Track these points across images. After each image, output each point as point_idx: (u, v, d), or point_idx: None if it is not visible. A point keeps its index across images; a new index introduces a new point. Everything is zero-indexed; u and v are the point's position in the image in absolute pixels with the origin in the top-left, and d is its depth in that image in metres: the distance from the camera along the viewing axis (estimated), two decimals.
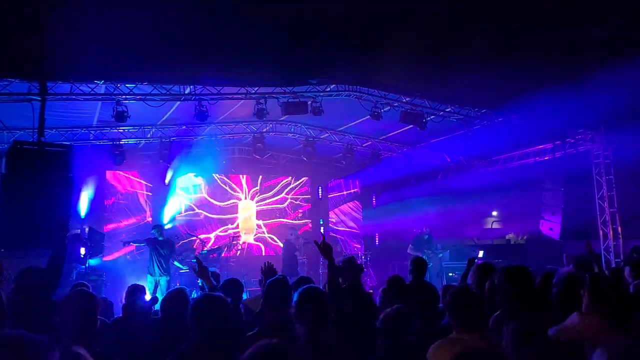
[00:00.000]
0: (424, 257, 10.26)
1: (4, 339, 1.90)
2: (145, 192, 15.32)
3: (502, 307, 3.84)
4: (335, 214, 18.47)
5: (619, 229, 12.47)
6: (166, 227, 14.64)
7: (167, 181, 15.14)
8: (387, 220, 16.61)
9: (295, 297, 3.34)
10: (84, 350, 2.20)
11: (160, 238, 11.82)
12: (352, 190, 18.65)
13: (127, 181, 15.11)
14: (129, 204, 15.02)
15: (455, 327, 3.46)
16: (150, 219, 14.89)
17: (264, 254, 16.46)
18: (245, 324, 4.61)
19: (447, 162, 16.13)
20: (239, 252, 15.60)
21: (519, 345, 2.88)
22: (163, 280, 11.45)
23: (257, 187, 17.05)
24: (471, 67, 9.28)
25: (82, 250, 11.60)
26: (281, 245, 15.04)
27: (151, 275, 11.47)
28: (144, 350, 4.21)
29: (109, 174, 14.78)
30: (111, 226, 14.58)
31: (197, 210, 15.92)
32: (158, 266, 11.48)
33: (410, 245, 13.81)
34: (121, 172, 14.90)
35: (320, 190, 18.05)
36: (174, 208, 15.44)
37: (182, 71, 9.33)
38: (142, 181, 15.33)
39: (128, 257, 14.27)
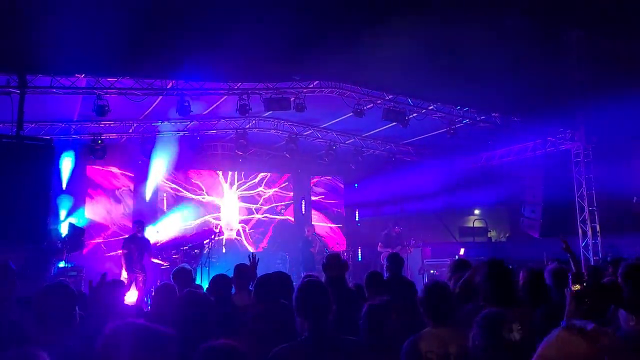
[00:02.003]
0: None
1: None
2: (127, 188, 15.20)
3: (479, 299, 3.90)
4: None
5: (598, 227, 12.63)
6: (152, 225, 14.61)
7: (148, 181, 15.05)
8: (370, 235, 16.55)
9: (296, 290, 3.28)
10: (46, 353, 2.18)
11: (140, 235, 11.76)
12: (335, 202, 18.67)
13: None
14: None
15: (429, 322, 3.49)
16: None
17: (250, 250, 16.43)
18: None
19: (429, 164, 16.22)
20: (223, 248, 15.49)
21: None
22: (141, 277, 11.36)
23: (242, 183, 16.99)
24: (453, 66, 9.34)
25: None
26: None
27: (128, 272, 11.34)
28: None
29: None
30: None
31: (179, 207, 15.81)
32: (134, 263, 11.37)
33: (379, 243, 13.78)
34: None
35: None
36: (156, 204, 15.35)
37: (164, 65, 9.26)
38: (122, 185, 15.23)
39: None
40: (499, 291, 3.87)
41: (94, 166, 14.49)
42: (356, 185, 18.19)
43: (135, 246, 11.55)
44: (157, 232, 14.04)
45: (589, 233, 12.68)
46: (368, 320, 3.80)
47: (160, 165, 14.64)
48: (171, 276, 5.90)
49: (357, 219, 18.32)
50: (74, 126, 12.72)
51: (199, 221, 16.02)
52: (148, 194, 15.11)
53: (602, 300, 4.00)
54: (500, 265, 4.12)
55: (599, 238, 12.52)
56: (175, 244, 13.89)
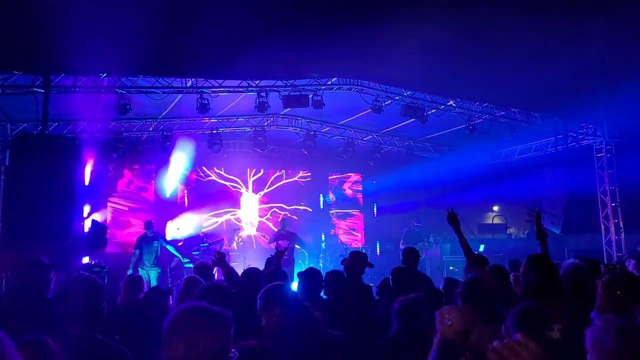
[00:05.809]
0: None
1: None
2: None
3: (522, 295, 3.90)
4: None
5: (621, 223, 12.50)
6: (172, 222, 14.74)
7: (169, 177, 15.18)
8: (389, 229, 16.61)
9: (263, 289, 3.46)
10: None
11: (150, 234, 12.00)
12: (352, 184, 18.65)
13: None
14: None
15: (478, 314, 3.47)
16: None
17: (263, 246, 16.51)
18: None
19: (447, 159, 16.16)
20: (241, 243, 15.53)
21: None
22: (154, 273, 11.74)
23: (261, 180, 17.06)
24: (472, 61, 9.29)
25: None
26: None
27: (141, 268, 11.63)
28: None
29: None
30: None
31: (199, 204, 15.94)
32: (147, 260, 11.73)
33: (401, 240, 13.83)
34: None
35: (322, 197, 17.97)
36: (176, 202, 15.50)
37: (185, 64, 9.34)
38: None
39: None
40: (544, 285, 3.86)
41: (113, 172, 14.77)
42: (374, 182, 18.13)
43: (146, 244, 11.84)
44: (178, 229, 14.19)
45: (612, 229, 12.56)
46: (400, 313, 3.86)
47: (179, 163, 14.78)
48: (193, 271, 6.00)
49: (375, 215, 18.33)
50: (96, 125, 12.87)
51: (220, 219, 16.17)
52: (168, 191, 15.27)
53: (628, 294, 3.97)
54: (546, 259, 4.13)
55: (622, 234, 12.39)
56: (195, 241, 14.02)
